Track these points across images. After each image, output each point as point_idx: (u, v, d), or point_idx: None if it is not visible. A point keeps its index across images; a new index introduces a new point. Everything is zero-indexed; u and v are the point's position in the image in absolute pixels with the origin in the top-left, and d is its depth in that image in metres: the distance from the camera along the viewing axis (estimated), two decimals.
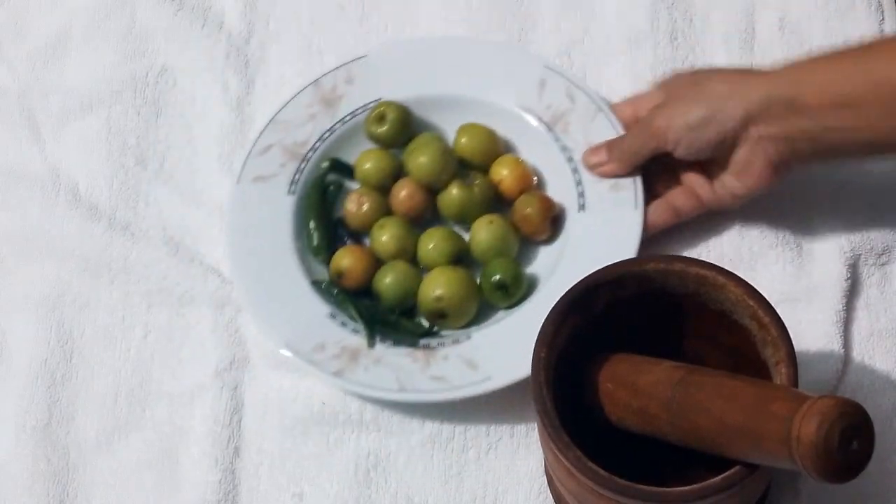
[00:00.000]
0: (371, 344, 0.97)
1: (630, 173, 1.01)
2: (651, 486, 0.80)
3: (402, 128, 1.04)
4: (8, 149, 1.10)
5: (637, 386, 0.83)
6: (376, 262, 1.01)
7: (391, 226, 1.01)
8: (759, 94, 0.93)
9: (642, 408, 0.83)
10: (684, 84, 0.99)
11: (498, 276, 0.98)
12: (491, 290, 0.98)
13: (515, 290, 0.98)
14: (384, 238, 1.01)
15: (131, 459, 0.98)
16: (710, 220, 1.03)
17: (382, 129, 1.04)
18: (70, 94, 1.12)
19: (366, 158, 1.04)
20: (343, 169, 1.06)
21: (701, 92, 0.96)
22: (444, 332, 0.99)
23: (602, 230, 1.00)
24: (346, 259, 1.00)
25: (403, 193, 1.02)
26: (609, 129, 1.03)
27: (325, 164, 1.05)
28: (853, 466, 0.71)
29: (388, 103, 1.04)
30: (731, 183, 0.98)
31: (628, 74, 1.09)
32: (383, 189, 1.03)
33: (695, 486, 0.79)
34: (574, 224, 1.01)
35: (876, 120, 0.90)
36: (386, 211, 1.03)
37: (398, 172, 1.04)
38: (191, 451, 0.97)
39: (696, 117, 0.95)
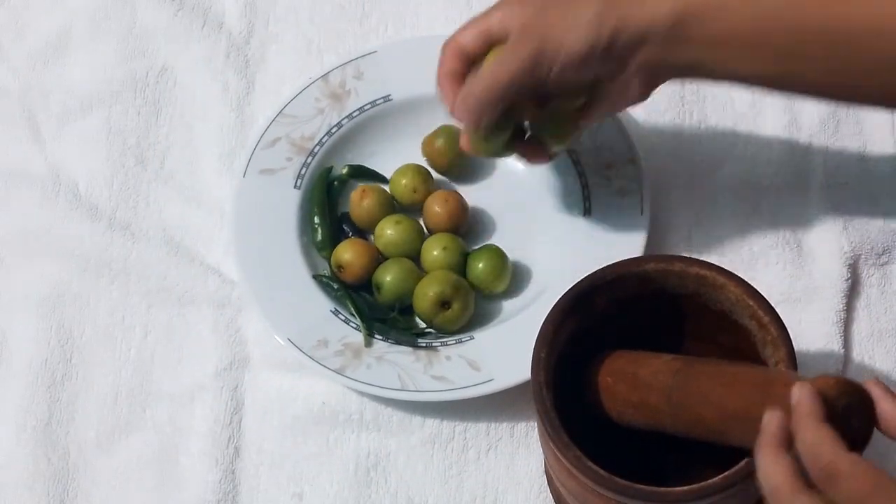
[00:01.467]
0: (369, 341, 0.97)
1: (481, 124, 0.90)
2: (651, 486, 0.80)
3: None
4: (8, 149, 1.10)
5: (637, 378, 0.83)
6: (377, 258, 1.01)
7: (396, 223, 1.01)
8: (642, 20, 0.84)
9: (642, 400, 0.83)
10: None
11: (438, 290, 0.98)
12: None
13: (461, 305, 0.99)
14: (388, 233, 1.01)
15: (131, 459, 0.98)
16: (709, 220, 1.03)
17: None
18: (70, 94, 1.12)
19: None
20: (363, 174, 1.06)
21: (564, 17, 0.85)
22: (442, 333, 0.99)
23: (606, 235, 1.00)
24: (348, 253, 1.00)
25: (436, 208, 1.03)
26: (616, 134, 1.03)
27: (345, 171, 1.05)
28: (853, 445, 0.69)
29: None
30: (597, 108, 0.91)
31: None
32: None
33: (695, 486, 0.79)
34: (578, 228, 1.01)
35: (775, 63, 0.84)
36: (389, 206, 1.03)
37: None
38: (191, 450, 0.97)
39: (583, 42, 0.84)
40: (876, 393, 0.70)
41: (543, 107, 0.93)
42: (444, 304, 0.97)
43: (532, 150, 0.96)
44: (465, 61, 0.91)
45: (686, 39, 0.84)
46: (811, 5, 0.82)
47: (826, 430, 0.68)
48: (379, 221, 1.02)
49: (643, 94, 0.91)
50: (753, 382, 0.76)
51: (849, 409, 0.70)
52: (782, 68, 0.85)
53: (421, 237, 1.02)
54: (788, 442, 0.69)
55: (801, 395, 0.69)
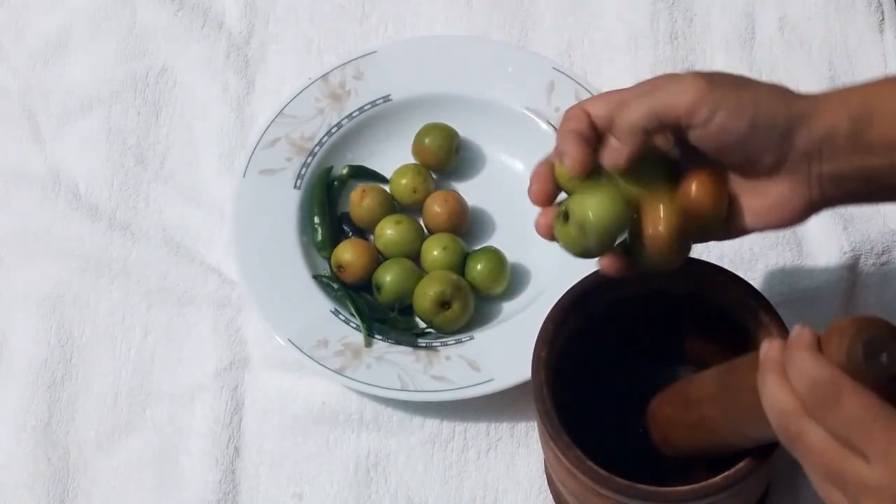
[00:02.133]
0: (369, 341, 0.97)
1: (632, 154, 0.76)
2: (651, 486, 0.80)
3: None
4: (8, 149, 1.10)
5: (688, 396, 0.81)
6: (377, 258, 1.01)
7: (396, 223, 1.02)
8: (824, 122, 0.74)
9: (699, 419, 0.80)
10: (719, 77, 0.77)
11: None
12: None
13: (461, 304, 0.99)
14: (388, 233, 1.01)
15: (131, 459, 0.98)
16: None
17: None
18: (70, 94, 1.12)
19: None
20: (363, 175, 1.06)
21: (747, 88, 0.75)
22: (441, 334, 0.99)
23: None
24: (348, 253, 1.00)
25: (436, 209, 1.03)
26: None
27: (345, 171, 1.05)
28: (879, 383, 0.65)
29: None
30: (750, 215, 0.78)
31: (628, 74, 1.09)
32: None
33: (695, 486, 0.79)
34: None
35: None
36: (389, 206, 1.03)
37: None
38: (191, 450, 0.97)
39: (744, 107, 0.74)
40: None
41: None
42: (444, 304, 0.98)
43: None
44: (642, 145, 0.77)
45: (868, 143, 0.74)
46: None
47: (821, 357, 0.65)
48: (379, 221, 1.02)
49: (803, 212, 0.77)
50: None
51: (873, 343, 0.65)
52: None
53: (421, 237, 1.02)
54: (789, 360, 0.67)
55: (794, 333, 0.67)
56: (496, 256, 1.00)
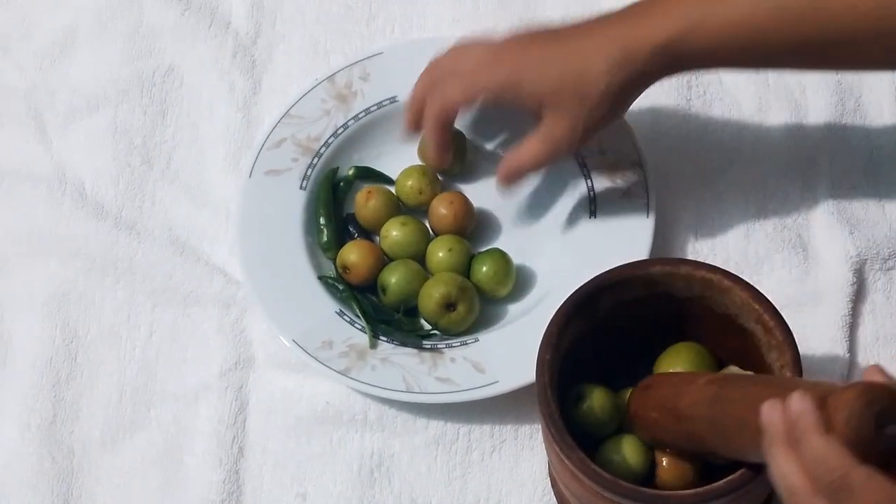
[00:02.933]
0: (374, 342, 0.97)
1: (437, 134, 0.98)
2: (655, 490, 0.80)
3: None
4: (15, 148, 1.10)
5: (679, 411, 0.81)
6: (383, 259, 1.01)
7: (401, 224, 1.01)
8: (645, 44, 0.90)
9: (689, 431, 0.81)
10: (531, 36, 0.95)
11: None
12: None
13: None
14: (394, 234, 1.01)
15: (136, 459, 0.98)
16: (715, 223, 1.03)
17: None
18: (77, 93, 1.12)
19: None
20: (369, 176, 1.06)
21: (559, 43, 0.93)
22: (446, 336, 0.99)
23: (613, 237, 0.99)
24: (354, 254, 1.00)
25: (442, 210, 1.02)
26: (623, 136, 1.03)
27: (351, 172, 1.05)
28: (886, 455, 0.66)
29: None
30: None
31: None
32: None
33: (699, 490, 0.78)
34: (585, 230, 1.01)
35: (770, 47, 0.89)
36: (395, 207, 1.03)
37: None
38: (195, 450, 0.97)
39: (558, 70, 0.92)
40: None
41: None
42: (449, 305, 0.97)
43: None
44: (454, 122, 0.99)
45: (679, 61, 0.90)
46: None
47: (832, 441, 0.65)
48: (384, 223, 1.02)
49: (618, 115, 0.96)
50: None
51: (881, 416, 0.66)
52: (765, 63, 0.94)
53: (427, 239, 1.02)
54: (796, 440, 0.67)
55: (800, 408, 0.67)
56: (502, 258, 1.00)
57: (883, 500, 0.64)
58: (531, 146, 0.95)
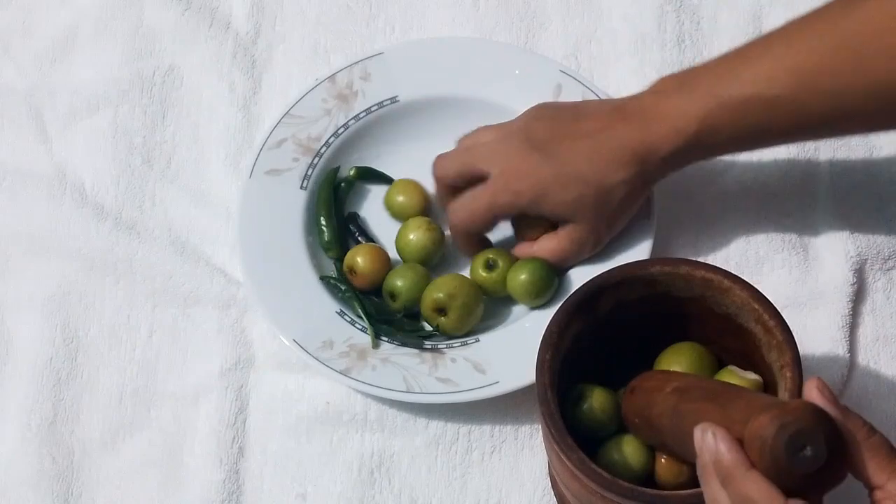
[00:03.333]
0: (376, 343, 0.97)
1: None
2: (655, 490, 0.80)
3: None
4: (15, 148, 1.10)
5: (651, 422, 0.81)
6: (389, 264, 1.01)
7: (419, 227, 1.01)
8: (657, 158, 0.93)
9: (662, 442, 0.82)
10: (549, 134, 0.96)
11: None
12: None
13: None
14: (410, 237, 1.01)
15: (136, 459, 0.98)
16: (715, 223, 1.03)
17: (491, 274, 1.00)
18: (77, 94, 1.12)
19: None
20: (370, 176, 1.06)
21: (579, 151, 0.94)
22: (446, 336, 0.99)
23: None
24: (361, 257, 1.00)
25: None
26: None
27: (352, 172, 1.05)
28: (809, 477, 0.66)
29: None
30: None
31: (635, 76, 1.09)
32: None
33: (698, 490, 0.78)
34: None
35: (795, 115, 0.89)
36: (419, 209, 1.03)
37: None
38: (195, 450, 0.97)
39: (579, 186, 0.94)
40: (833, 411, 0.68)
41: None
42: (440, 310, 0.97)
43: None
44: (479, 234, 1.01)
45: (697, 154, 0.93)
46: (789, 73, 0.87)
47: (755, 478, 0.66)
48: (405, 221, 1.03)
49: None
50: (737, 417, 0.72)
51: (793, 442, 0.66)
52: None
53: (442, 237, 1.02)
54: (723, 476, 0.68)
55: (718, 448, 0.68)
56: (542, 267, 0.98)
57: None
58: (551, 244, 0.97)
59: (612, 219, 0.95)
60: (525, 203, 0.95)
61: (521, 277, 0.97)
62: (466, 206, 0.97)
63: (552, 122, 0.96)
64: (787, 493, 0.66)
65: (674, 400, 0.78)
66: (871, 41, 0.84)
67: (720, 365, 0.87)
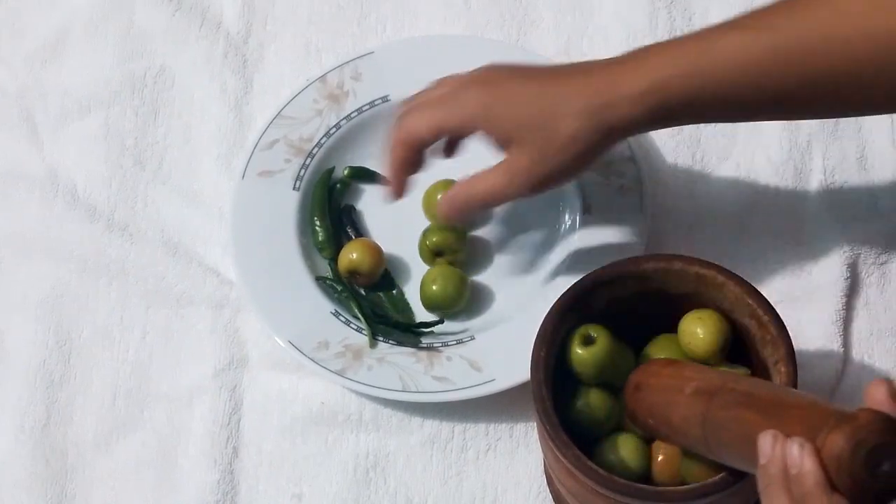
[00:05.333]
0: (373, 342, 0.97)
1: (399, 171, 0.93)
2: (650, 485, 0.80)
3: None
4: (6, 150, 1.10)
5: (671, 424, 0.79)
6: (383, 256, 1.00)
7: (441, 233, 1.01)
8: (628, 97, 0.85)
9: (685, 444, 0.80)
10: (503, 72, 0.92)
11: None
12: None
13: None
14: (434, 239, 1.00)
15: (130, 460, 0.97)
16: (709, 219, 1.03)
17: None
18: (68, 95, 1.11)
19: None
20: (364, 176, 1.06)
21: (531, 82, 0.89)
22: (445, 332, 0.98)
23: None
24: (357, 253, 0.99)
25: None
26: None
27: (346, 172, 1.05)
28: (885, 492, 0.63)
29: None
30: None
31: None
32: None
33: (694, 485, 0.78)
34: (579, 227, 1.01)
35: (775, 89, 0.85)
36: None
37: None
38: (189, 451, 0.97)
39: (529, 106, 0.87)
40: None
41: None
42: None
43: None
44: (418, 150, 0.93)
45: (664, 111, 0.85)
46: (763, 33, 0.84)
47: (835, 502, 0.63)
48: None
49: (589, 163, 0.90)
50: (792, 418, 0.69)
51: (872, 456, 0.63)
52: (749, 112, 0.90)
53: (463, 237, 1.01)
54: (798, 497, 0.65)
55: (803, 464, 0.64)
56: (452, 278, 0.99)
57: None
58: (486, 176, 0.90)
59: (558, 153, 0.87)
60: (472, 110, 0.89)
61: (432, 288, 0.98)
62: (415, 114, 0.91)
63: (513, 67, 0.93)
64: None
65: (702, 406, 0.75)
66: (849, 26, 0.82)
67: None
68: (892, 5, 0.81)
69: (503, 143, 0.89)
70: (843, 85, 0.83)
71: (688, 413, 0.77)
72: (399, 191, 0.95)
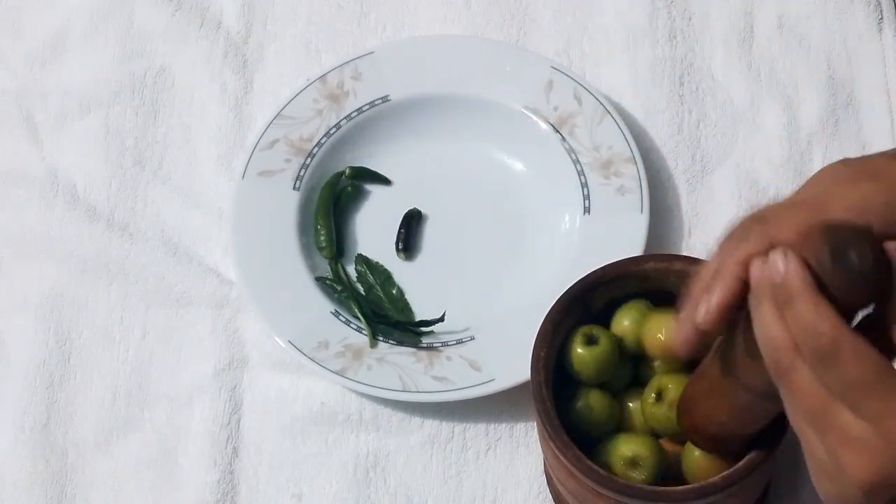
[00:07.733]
0: (374, 343, 0.97)
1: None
2: (650, 486, 0.80)
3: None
4: (6, 150, 1.10)
5: (704, 371, 0.75)
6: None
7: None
8: None
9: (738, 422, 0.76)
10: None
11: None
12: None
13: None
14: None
15: (130, 460, 0.97)
16: (710, 219, 1.03)
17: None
18: (68, 95, 1.11)
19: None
20: (365, 176, 1.06)
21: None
22: (445, 332, 0.98)
23: (607, 234, 0.99)
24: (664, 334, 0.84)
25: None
26: (616, 133, 1.03)
27: (347, 172, 1.05)
28: (862, 276, 0.60)
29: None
30: None
31: (627, 73, 1.09)
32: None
33: (694, 485, 0.79)
34: (578, 227, 1.01)
35: None
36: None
37: None
38: (189, 451, 0.97)
39: None
40: None
41: None
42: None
43: None
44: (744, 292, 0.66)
45: None
46: None
47: (825, 304, 0.60)
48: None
49: None
50: None
51: (841, 242, 0.60)
52: None
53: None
54: (783, 301, 0.61)
55: (787, 268, 0.60)
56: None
57: (866, 374, 0.59)
58: None
59: None
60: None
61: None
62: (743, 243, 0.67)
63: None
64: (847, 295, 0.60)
65: (717, 369, 0.72)
66: None
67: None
68: None
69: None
70: None
71: (716, 384, 0.74)
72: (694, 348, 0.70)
